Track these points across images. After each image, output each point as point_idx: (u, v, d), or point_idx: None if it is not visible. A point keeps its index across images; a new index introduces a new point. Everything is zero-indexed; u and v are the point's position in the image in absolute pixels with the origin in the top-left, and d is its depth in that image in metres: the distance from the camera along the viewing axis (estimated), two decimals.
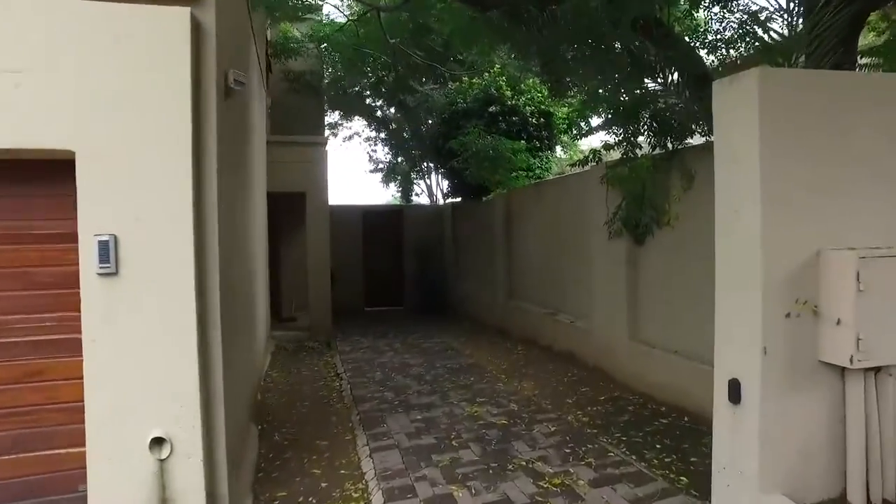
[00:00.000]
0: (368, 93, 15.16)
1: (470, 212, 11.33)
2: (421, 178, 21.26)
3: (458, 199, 12.22)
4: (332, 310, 12.33)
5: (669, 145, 5.17)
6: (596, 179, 6.18)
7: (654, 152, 5.40)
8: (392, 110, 20.83)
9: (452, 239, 12.22)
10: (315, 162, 9.60)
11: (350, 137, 19.68)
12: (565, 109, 10.53)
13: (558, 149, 12.81)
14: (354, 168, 47.80)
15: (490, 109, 9.02)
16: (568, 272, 7.30)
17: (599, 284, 6.26)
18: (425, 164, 12.08)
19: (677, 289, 5.17)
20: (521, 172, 8.43)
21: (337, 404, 5.74)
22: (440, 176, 14.02)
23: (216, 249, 3.15)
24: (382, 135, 22.02)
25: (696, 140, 5.13)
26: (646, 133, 5.20)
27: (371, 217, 12.79)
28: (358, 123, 22.66)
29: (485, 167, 8.05)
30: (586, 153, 6.23)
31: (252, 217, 5.94)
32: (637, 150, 5.46)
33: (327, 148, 10.13)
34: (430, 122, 11.23)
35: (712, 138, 3.18)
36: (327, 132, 19.96)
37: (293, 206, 10.16)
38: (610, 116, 5.34)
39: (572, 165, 7.50)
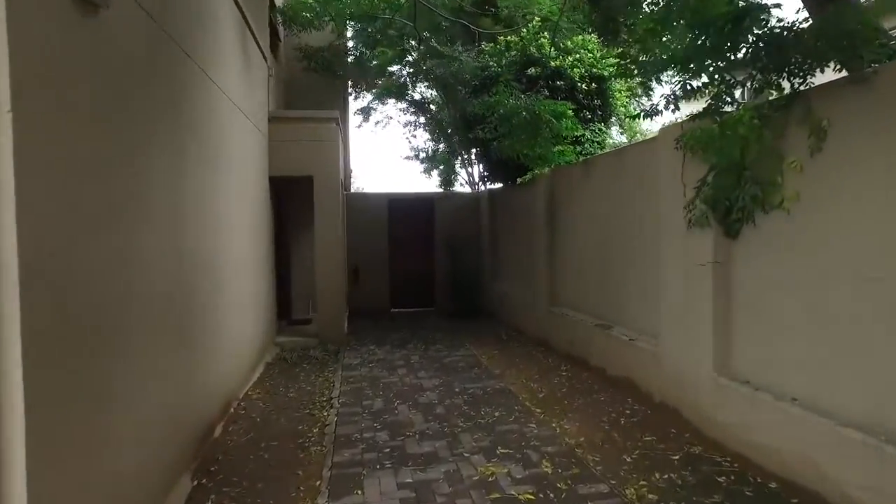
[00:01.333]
0: (396, 68, 13.81)
1: (508, 199, 9.74)
2: (463, 167, 19.85)
3: (497, 186, 10.65)
4: (353, 311, 11.10)
5: (786, 85, 3.45)
6: (667, 146, 4.50)
7: (759, 99, 3.69)
8: (431, 92, 19.54)
9: (489, 231, 10.68)
10: (324, 140, 8.29)
11: (384, 122, 18.33)
12: (620, 81, 8.76)
13: (614, 131, 10.98)
14: (393, 155, 46.83)
15: (529, 72, 7.39)
16: (627, 274, 5.64)
17: (671, 292, 4.59)
18: (465, 149, 10.49)
19: (797, 305, 3.46)
20: (567, 146, 6.73)
21: (312, 447, 4.37)
22: (472, 156, 12.45)
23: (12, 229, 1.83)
24: (422, 119, 20.81)
25: (827, 77, 3.37)
26: (749, 67, 3.49)
27: (398, 206, 11.42)
28: (392, 108, 21.51)
29: (519, 137, 6.38)
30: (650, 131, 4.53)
31: (207, 199, 4.65)
32: (731, 98, 3.74)
33: (339, 125, 8.79)
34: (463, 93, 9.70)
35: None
36: (358, 117, 18.83)
37: (308, 194, 8.92)
38: (688, 54, 3.65)
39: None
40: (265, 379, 6.46)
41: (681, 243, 4.39)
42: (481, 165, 9.76)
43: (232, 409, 5.22)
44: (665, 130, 4.70)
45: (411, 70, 15.97)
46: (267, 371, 6.83)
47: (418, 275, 11.48)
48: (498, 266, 10.48)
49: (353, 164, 18.72)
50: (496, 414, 4.96)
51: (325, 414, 5.14)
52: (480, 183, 13.87)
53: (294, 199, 9.47)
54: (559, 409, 5.07)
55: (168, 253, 3.60)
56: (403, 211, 11.45)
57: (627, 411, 4.94)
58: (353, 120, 19.03)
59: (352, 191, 11.51)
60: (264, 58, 8.04)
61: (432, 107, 19.46)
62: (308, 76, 11.06)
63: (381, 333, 9.01)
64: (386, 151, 42.82)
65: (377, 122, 19.92)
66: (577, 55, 8.04)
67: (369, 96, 18.00)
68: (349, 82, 15.79)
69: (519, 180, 7.77)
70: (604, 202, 6.12)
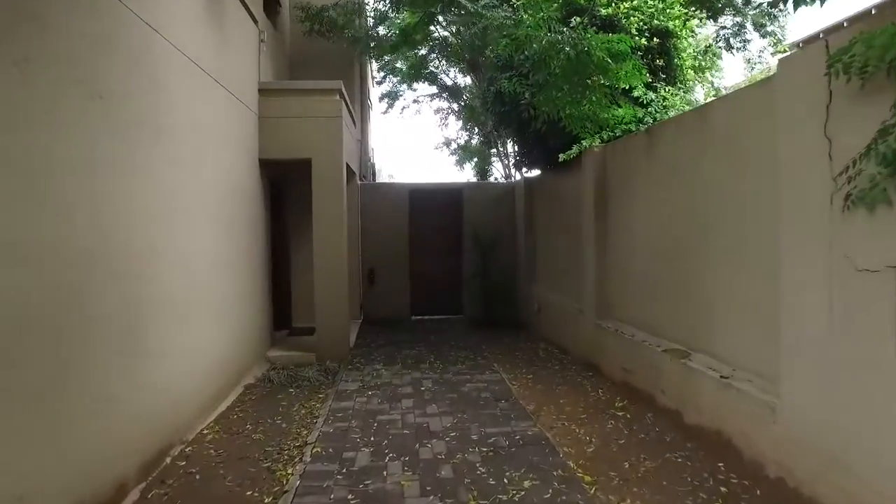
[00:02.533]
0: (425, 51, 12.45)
1: (547, 186, 8.17)
2: (499, 158, 18.27)
3: (535, 174, 9.08)
4: (368, 320, 9.75)
5: None
6: (795, 83, 2.89)
7: None
8: (464, 79, 18.11)
9: (526, 226, 9.12)
10: (325, 116, 6.95)
11: (412, 107, 16.96)
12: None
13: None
14: (424, 146, 45.40)
15: (573, 22, 5.80)
16: (716, 281, 4.02)
17: (805, 313, 2.96)
18: (497, 126, 8.95)
19: None
20: (626, 106, 5.03)
21: None
22: (504, 134, 10.86)
23: None
24: (454, 106, 19.36)
25: None
26: None
27: (421, 199, 10.00)
28: (421, 93, 20.21)
29: (560, 88, 4.66)
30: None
31: (134, 179, 3.34)
32: None
33: (345, 99, 7.43)
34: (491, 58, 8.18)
35: None
36: (383, 102, 17.53)
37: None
38: None
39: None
40: (236, 408, 5.14)
41: (824, 235, 2.76)
42: (515, 146, 8.19)
43: (168, 459, 3.90)
44: (791, 59, 3.06)
45: (438, 47, 14.65)
46: (243, 396, 5.52)
47: (443, 277, 10.03)
48: (535, 267, 8.91)
49: (378, 153, 17.46)
50: (525, 483, 3.45)
51: (289, 472, 3.74)
52: (515, 169, 12.32)
53: (300, 189, 8.18)
54: (618, 479, 3.50)
55: (50, 244, 2.29)
56: (427, 204, 10.02)
57: (724, 488, 3.33)
58: (378, 107, 17.94)
59: (375, 181, 10.21)
60: (252, 19, 6.76)
61: (465, 95, 18.07)
62: (320, 47, 9.74)
63: (393, 348, 7.60)
64: (417, 141, 41.52)
65: (404, 108, 18.60)
66: (634, 1, 6.41)
67: (394, 80, 16.80)
68: (371, 60, 14.55)
69: (561, 157, 6.18)
70: (678, 182, 4.51)
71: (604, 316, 5.90)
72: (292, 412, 5.04)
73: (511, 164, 14.56)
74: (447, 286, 10.03)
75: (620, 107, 4.77)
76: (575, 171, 6.72)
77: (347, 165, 8.08)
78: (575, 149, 5.27)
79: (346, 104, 7.76)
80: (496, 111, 7.54)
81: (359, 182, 9.73)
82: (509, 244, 9.69)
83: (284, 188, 8.13)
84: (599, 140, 5.38)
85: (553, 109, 4.74)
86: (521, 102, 5.80)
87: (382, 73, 16.71)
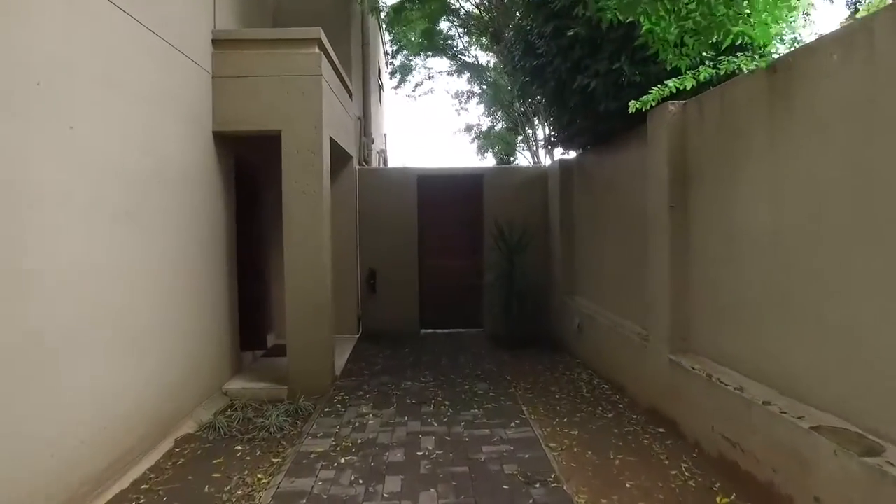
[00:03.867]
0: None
1: (593, 169, 6.39)
2: (526, 144, 16.43)
3: (574, 155, 7.31)
4: (368, 334, 8.12)
5: None
6: None
7: None
8: (486, 58, 16.29)
9: (562, 221, 7.36)
10: (299, 75, 5.32)
11: (427, 84, 15.31)
12: None
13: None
14: (442, 130, 43.36)
15: None
16: None
17: None
18: (526, 91, 7.11)
19: None
20: (762, 26, 3.16)
21: None
22: (532, 107, 9.07)
23: None
24: (475, 89, 17.55)
25: None
26: None
27: (432, 187, 8.31)
28: (438, 68, 18.47)
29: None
30: None
31: None
32: None
33: (328, 53, 5.77)
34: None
35: None
36: (394, 79, 15.86)
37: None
38: None
39: None
40: (143, 483, 3.54)
41: None
42: (549, 118, 6.42)
43: None
44: None
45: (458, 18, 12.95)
46: (166, 459, 3.93)
47: (459, 283, 8.34)
48: (574, 273, 7.14)
49: (392, 141, 15.80)
50: None
51: None
52: (547, 152, 10.54)
53: (267, 178, 6.61)
54: None
55: None
56: (440, 193, 8.32)
57: None
58: (390, 85, 16.24)
59: (378, 166, 8.56)
60: None
61: (489, 74, 16.27)
62: (313, 7, 8.10)
63: (391, 377, 5.94)
64: (434, 127, 39.71)
65: (417, 86, 16.86)
66: None
67: (407, 53, 15.09)
68: (382, 29, 12.88)
69: (633, 106, 4.40)
70: (841, 143, 2.72)
71: (683, 349, 4.13)
72: (223, 493, 3.41)
73: (542, 146, 12.79)
74: (464, 293, 8.32)
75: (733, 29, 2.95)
76: (635, 145, 4.95)
77: (337, 145, 6.45)
78: (654, 92, 3.46)
79: (333, 63, 6.10)
80: (527, 67, 5.78)
81: (356, 167, 8.09)
82: (541, 243, 7.93)
83: (262, 173, 6.53)
84: (670, 92, 3.58)
85: (631, 13, 2.93)
86: (568, 34, 4.04)
87: (395, 48, 15.08)
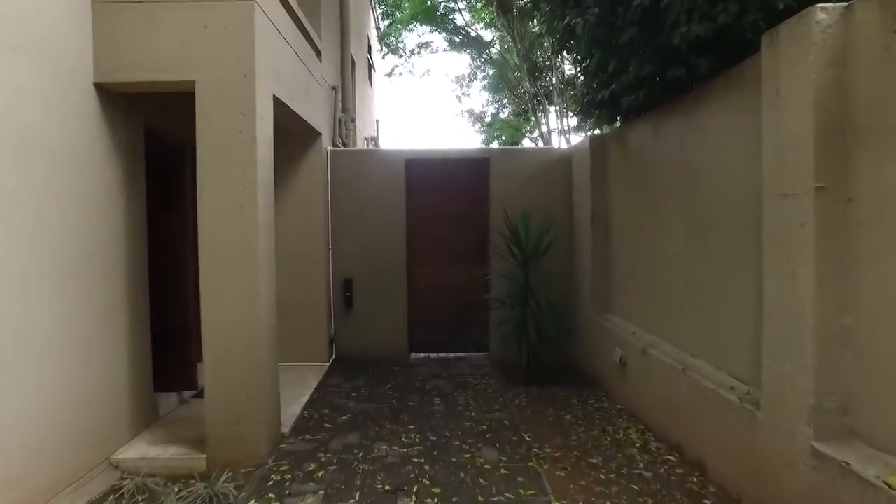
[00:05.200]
0: None
1: (647, 142, 4.70)
2: (536, 124, 14.67)
3: (608, 131, 5.63)
4: (344, 360, 6.46)
5: None
6: None
7: None
8: (487, 33, 14.56)
9: (594, 216, 5.68)
10: (219, 3, 3.64)
11: (420, 59, 13.70)
12: None
13: None
14: (442, 115, 41.34)
15: None
16: None
17: None
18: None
19: None
20: None
21: None
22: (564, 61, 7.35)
23: None
24: (476, 70, 15.80)
25: None
26: None
27: (424, 174, 6.63)
28: (437, 44, 16.81)
29: None
30: None
31: None
32: None
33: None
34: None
35: None
36: (383, 53, 14.17)
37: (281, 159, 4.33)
38: None
39: None
40: None
41: None
42: (587, 67, 4.69)
43: None
44: None
45: None
46: None
47: (459, 295, 6.66)
48: (612, 285, 5.47)
49: (379, 124, 14.12)
50: None
51: None
52: (566, 134, 8.95)
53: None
54: None
55: None
56: (434, 182, 6.64)
57: None
58: (382, 66, 14.51)
59: (352, 147, 6.85)
60: None
61: (494, 49, 14.55)
62: None
63: (362, 435, 4.26)
64: (434, 112, 37.84)
65: (408, 57, 14.92)
66: None
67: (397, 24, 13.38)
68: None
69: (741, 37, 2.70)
70: None
71: (839, 433, 2.45)
72: None
73: (560, 132, 11.10)
74: (464, 309, 6.65)
75: None
76: (730, 99, 3.27)
77: (293, 114, 4.82)
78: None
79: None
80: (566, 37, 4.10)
81: (328, 148, 6.41)
82: (564, 245, 6.25)
83: (193, 153, 4.85)
84: None
85: None
86: None
87: (388, 22, 13.38)
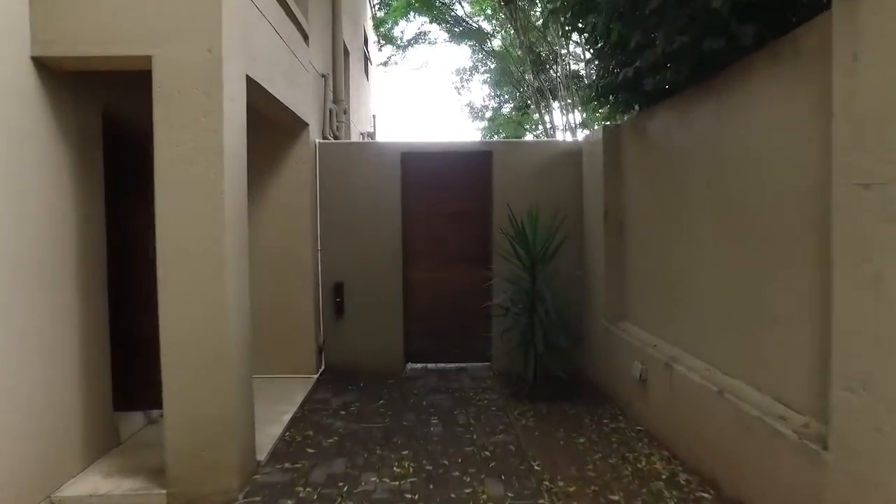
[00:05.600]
0: None
1: (673, 129, 4.18)
2: (541, 123, 14.12)
3: (621, 122, 5.13)
4: (334, 371, 5.95)
5: None
6: None
7: None
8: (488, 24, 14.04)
9: (607, 213, 5.18)
10: None
11: (421, 58, 13.28)
12: None
13: None
14: (440, 111, 40.67)
15: None
16: None
17: None
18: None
19: None
20: None
21: None
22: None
23: None
24: (477, 62, 15.26)
25: None
26: None
27: (421, 169, 6.12)
28: (435, 35, 16.34)
29: None
30: None
31: None
32: None
33: None
34: None
35: None
36: (380, 45, 13.67)
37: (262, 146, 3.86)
38: None
39: None
40: None
41: None
42: (605, 45, 4.17)
43: None
44: None
45: None
46: None
47: (459, 301, 6.16)
48: (628, 289, 4.96)
49: (376, 119, 13.61)
50: None
51: None
52: (573, 129, 8.50)
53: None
54: None
55: None
56: (433, 178, 6.14)
57: None
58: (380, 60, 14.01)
59: (345, 140, 6.32)
60: None
61: (494, 41, 14.02)
62: None
63: (349, 462, 3.75)
64: (433, 107, 37.17)
65: (405, 48, 14.32)
66: None
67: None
68: None
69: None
70: None
71: None
72: None
73: (564, 128, 10.60)
74: (465, 316, 6.15)
75: None
76: (781, 75, 2.76)
77: (274, 99, 4.33)
78: None
79: None
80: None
81: (316, 140, 5.91)
82: (574, 246, 5.74)
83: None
84: None
85: None
86: None
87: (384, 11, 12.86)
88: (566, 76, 11.43)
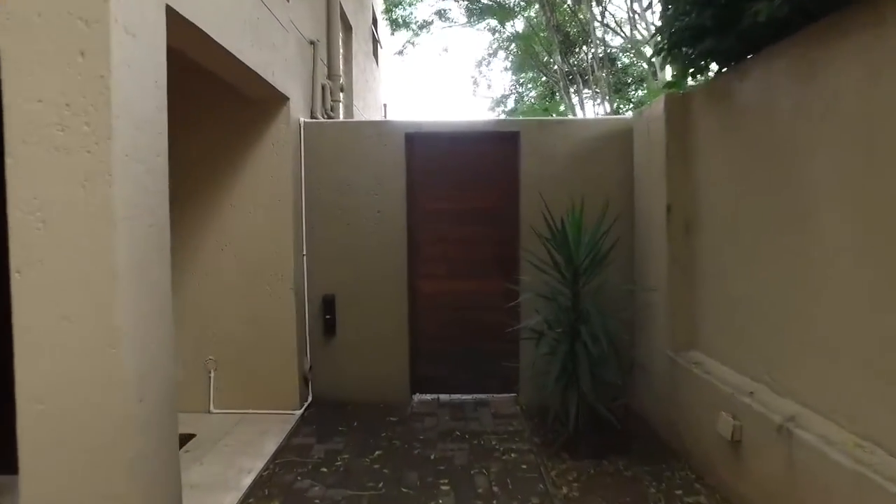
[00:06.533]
0: None
1: (767, 98, 2.97)
2: (570, 114, 12.86)
3: (701, 87, 3.93)
4: (322, 405, 4.76)
5: None
6: None
7: None
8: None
9: (672, 208, 3.97)
10: None
11: (439, 42, 12.21)
12: None
13: None
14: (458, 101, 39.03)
15: None
16: None
17: None
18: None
19: None
20: None
21: None
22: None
23: None
24: (498, 47, 14.04)
25: None
26: None
27: (429, 154, 4.98)
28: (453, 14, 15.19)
29: None
30: None
31: None
32: None
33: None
34: None
35: None
36: (391, 29, 12.58)
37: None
38: None
39: None
40: None
41: None
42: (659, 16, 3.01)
43: None
44: None
45: None
46: None
47: (477, 318, 5.02)
48: (705, 309, 3.74)
49: (387, 108, 12.51)
50: None
51: None
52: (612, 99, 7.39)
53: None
54: None
55: None
56: (444, 166, 4.99)
57: None
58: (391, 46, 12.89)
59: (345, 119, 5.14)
60: None
61: (518, 21, 12.79)
62: None
63: None
64: (451, 96, 35.77)
65: (418, 31, 13.14)
66: None
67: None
68: None
69: None
70: None
71: None
72: None
73: (606, 102, 9.41)
74: (484, 337, 5.00)
75: None
76: None
77: (238, 63, 3.25)
78: None
79: None
80: None
81: (301, 119, 4.81)
82: (623, 253, 4.53)
83: None
84: None
85: None
86: None
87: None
88: (599, 58, 10.20)
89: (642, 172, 4.52)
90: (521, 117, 14.90)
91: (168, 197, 2.48)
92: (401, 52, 13.16)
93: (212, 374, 4.52)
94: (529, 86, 14.97)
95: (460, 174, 4.98)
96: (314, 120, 5.05)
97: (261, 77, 3.81)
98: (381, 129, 4.87)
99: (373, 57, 10.96)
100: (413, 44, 12.67)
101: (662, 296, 4.08)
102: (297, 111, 4.71)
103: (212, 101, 4.37)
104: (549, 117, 7.39)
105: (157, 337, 2.36)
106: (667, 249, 4.03)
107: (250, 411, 4.51)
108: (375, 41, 11.27)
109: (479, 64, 14.51)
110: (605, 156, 4.79)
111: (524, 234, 4.73)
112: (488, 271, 5.00)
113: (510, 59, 13.65)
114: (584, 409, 3.87)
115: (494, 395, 5.06)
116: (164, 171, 2.45)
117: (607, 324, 3.83)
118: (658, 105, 4.15)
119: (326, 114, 5.52)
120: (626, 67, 12.66)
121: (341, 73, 6.09)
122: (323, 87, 5.51)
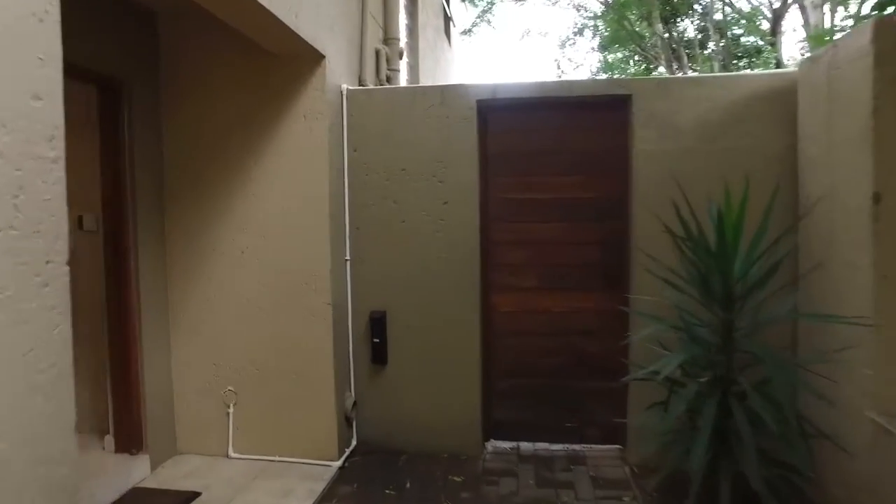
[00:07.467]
0: None
1: None
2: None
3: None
4: (367, 452, 3.59)
5: None
6: None
7: None
8: None
9: (879, 196, 2.57)
10: None
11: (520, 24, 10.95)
12: None
13: None
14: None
15: None
16: None
17: None
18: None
19: None
20: None
21: None
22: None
23: None
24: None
25: None
26: None
27: (511, 126, 3.82)
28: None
29: None
30: None
31: None
32: None
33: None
34: None
35: None
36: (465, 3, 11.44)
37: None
38: None
39: None
40: None
41: None
42: None
43: None
44: None
45: None
46: None
47: (571, 343, 3.80)
48: None
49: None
50: None
51: None
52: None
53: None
54: None
55: None
56: (528, 143, 3.81)
57: None
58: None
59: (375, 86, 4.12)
60: None
61: None
62: None
63: None
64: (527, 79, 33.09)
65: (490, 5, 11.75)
66: None
67: None
68: None
69: None
70: None
71: None
72: None
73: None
74: (581, 369, 3.79)
75: None
76: None
77: (291, 31, 2.20)
78: None
79: None
80: None
81: (343, 87, 3.78)
82: (784, 264, 3.14)
83: None
84: None
85: None
86: None
87: None
88: (714, 24, 8.56)
89: (815, 147, 3.12)
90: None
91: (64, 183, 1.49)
92: (469, 32, 12.02)
93: (230, 410, 3.61)
94: (621, 66, 13.44)
95: (549, 153, 3.78)
96: (359, 88, 4.03)
97: (280, 21, 2.82)
98: (445, 95, 3.74)
99: (444, 34, 9.92)
100: (489, 21, 11.56)
101: (863, 330, 2.69)
102: (338, 76, 3.70)
103: (225, 60, 3.46)
104: (672, 77, 6.00)
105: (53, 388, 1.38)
106: (872, 260, 2.64)
107: (276, 459, 3.57)
108: (448, 18, 10.21)
109: (563, 44, 13.10)
110: (754, 126, 3.43)
111: (638, 231, 3.47)
112: (588, 282, 3.77)
113: (598, 36, 12.18)
114: (739, 492, 2.58)
115: (592, 447, 3.83)
116: (61, 146, 1.46)
117: (787, 375, 2.50)
118: (859, 37, 2.75)
119: (381, 84, 4.50)
120: (737, 38, 10.96)
121: (401, 38, 5.06)
122: (377, 53, 4.48)
